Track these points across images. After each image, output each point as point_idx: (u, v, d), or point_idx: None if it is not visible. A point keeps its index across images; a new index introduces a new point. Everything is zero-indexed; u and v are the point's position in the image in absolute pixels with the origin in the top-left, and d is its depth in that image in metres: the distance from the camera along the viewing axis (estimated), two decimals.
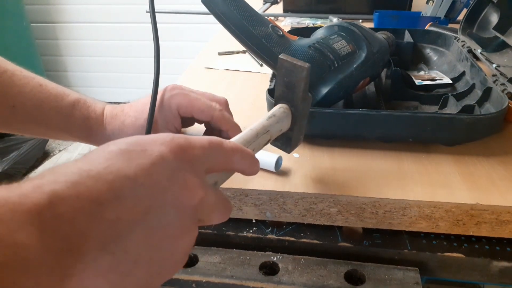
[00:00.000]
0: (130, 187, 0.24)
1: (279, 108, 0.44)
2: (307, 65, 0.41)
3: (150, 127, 0.49)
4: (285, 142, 0.47)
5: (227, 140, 0.33)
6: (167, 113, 0.52)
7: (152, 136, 0.28)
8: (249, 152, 0.35)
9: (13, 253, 0.19)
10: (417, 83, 0.74)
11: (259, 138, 0.39)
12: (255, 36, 0.56)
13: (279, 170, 0.53)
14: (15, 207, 0.20)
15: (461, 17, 1.01)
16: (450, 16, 1.19)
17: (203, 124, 0.57)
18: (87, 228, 0.22)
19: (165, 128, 0.53)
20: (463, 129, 0.55)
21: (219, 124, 0.52)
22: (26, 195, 0.21)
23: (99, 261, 0.22)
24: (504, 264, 0.48)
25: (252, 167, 0.35)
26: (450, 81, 0.74)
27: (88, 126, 0.54)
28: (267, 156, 0.53)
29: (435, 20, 1.15)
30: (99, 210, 0.23)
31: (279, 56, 0.43)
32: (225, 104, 0.54)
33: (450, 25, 1.15)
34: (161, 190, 0.26)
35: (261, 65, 0.93)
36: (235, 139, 0.38)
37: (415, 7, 1.33)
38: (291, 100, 0.44)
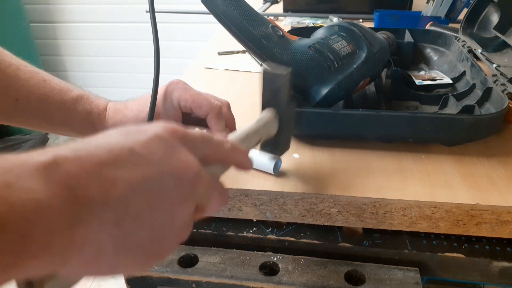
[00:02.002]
0: (128, 155, 0.26)
1: (266, 112, 0.47)
2: (288, 70, 0.45)
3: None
4: (274, 146, 0.49)
5: (218, 135, 0.35)
6: (168, 105, 0.53)
7: (148, 124, 0.30)
8: (240, 146, 0.37)
9: (24, 194, 0.20)
10: (417, 83, 0.74)
11: (249, 139, 0.42)
12: (255, 36, 0.56)
13: (278, 172, 0.53)
14: (23, 162, 0.22)
15: (461, 16, 1.01)
16: (450, 16, 1.19)
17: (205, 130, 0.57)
18: (89, 183, 0.23)
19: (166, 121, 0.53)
20: (463, 129, 0.55)
21: (212, 123, 0.51)
22: (32, 155, 0.23)
23: (103, 214, 0.23)
24: (505, 264, 0.48)
25: (244, 161, 0.37)
26: (450, 81, 0.74)
27: (90, 121, 0.54)
28: (266, 158, 0.53)
29: (435, 20, 1.15)
30: (99, 169, 0.24)
31: (263, 66, 0.46)
32: (226, 105, 0.54)
33: (450, 25, 1.15)
34: (158, 160, 0.27)
35: (261, 65, 0.93)
36: (229, 137, 0.40)
37: (415, 7, 1.33)
38: (277, 105, 0.47)
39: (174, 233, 0.28)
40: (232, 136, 0.40)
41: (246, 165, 0.37)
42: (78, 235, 0.22)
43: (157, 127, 0.29)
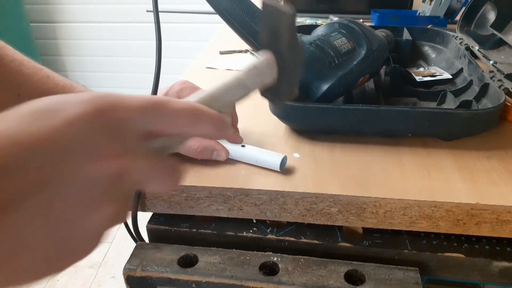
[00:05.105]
0: (22, 156, 0.21)
1: (261, 57, 0.38)
2: (294, 9, 0.36)
3: None
4: (274, 93, 0.41)
5: (176, 100, 0.28)
6: None
7: (76, 95, 0.24)
8: (209, 112, 0.29)
9: None
10: (417, 80, 0.74)
11: (231, 94, 0.34)
12: (258, 33, 0.56)
13: (284, 169, 0.53)
14: None
15: (459, 16, 1.01)
16: (448, 16, 1.19)
17: None
18: None
19: None
20: (461, 124, 0.55)
21: None
22: None
23: None
24: (504, 264, 0.48)
25: (217, 130, 0.29)
26: (450, 76, 0.74)
27: None
28: (272, 155, 0.53)
29: (434, 19, 1.15)
30: None
31: (263, 1, 0.38)
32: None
33: (448, 26, 1.15)
34: (65, 157, 0.22)
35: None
36: (196, 96, 0.32)
37: (416, 7, 1.33)
38: (277, 48, 0.38)
39: (84, 245, 0.24)
40: (205, 93, 0.32)
41: (218, 134, 0.30)
42: None
43: (81, 103, 0.23)
